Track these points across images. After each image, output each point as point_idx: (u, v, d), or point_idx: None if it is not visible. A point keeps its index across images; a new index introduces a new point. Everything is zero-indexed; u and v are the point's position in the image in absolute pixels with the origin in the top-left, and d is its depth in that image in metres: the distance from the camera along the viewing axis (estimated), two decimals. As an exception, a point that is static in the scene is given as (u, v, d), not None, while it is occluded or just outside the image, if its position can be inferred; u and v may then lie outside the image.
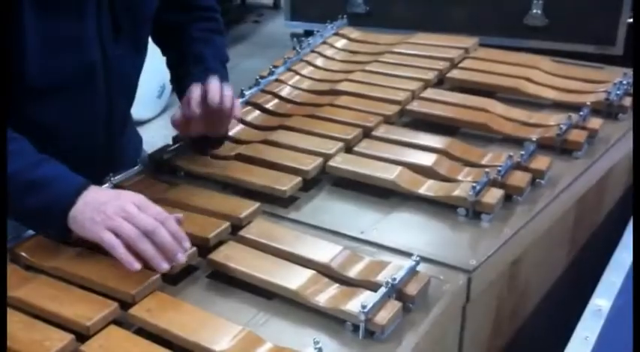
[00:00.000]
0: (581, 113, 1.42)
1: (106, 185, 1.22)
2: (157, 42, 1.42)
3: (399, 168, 1.26)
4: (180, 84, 1.33)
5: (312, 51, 1.77)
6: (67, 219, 1.02)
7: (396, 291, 0.97)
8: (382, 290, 0.95)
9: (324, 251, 1.06)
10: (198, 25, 1.39)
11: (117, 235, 0.99)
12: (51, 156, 1.08)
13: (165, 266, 1.00)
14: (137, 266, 0.98)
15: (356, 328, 0.94)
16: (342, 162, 1.30)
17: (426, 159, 1.29)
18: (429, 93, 1.57)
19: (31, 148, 1.06)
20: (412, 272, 1.00)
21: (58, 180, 1.04)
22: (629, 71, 1.61)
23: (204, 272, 1.07)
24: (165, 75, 1.42)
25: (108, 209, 1.01)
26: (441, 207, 1.20)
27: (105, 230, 1.00)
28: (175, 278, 1.04)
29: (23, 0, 1.05)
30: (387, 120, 1.45)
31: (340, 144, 1.34)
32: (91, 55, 1.17)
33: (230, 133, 1.41)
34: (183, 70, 1.34)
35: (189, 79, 1.26)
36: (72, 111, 1.20)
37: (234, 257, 1.05)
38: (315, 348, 0.87)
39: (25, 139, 1.07)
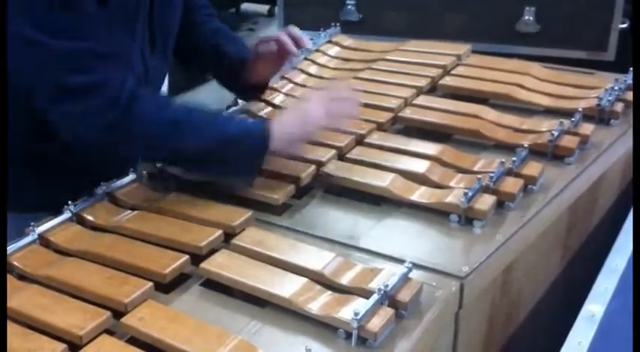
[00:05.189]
0: (573, 119, 1.42)
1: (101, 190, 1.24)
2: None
3: (392, 175, 1.26)
4: (218, 63, 1.52)
5: (306, 58, 1.77)
6: (264, 156, 1.22)
7: (389, 298, 0.97)
8: (375, 297, 0.95)
9: (317, 258, 1.06)
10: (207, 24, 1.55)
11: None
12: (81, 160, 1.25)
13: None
14: None
15: (349, 335, 0.94)
16: (335, 170, 1.30)
17: (419, 166, 1.29)
18: (422, 100, 1.57)
19: (209, 112, 1.24)
20: (405, 279, 1.00)
21: (249, 128, 1.24)
22: (621, 77, 1.62)
23: (197, 280, 1.07)
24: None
25: (308, 115, 1.27)
26: (433, 214, 1.21)
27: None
28: (168, 287, 1.04)
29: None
30: (380, 128, 1.46)
31: (333, 152, 1.34)
32: (136, 67, 1.28)
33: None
34: (215, 53, 1.51)
35: (236, 52, 1.50)
36: None
37: (227, 265, 1.05)
38: (308, 356, 0.87)
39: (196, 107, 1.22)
